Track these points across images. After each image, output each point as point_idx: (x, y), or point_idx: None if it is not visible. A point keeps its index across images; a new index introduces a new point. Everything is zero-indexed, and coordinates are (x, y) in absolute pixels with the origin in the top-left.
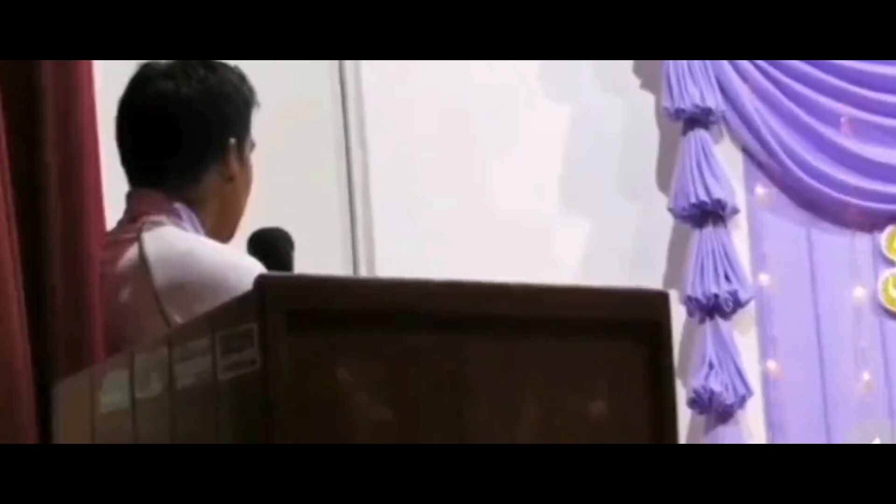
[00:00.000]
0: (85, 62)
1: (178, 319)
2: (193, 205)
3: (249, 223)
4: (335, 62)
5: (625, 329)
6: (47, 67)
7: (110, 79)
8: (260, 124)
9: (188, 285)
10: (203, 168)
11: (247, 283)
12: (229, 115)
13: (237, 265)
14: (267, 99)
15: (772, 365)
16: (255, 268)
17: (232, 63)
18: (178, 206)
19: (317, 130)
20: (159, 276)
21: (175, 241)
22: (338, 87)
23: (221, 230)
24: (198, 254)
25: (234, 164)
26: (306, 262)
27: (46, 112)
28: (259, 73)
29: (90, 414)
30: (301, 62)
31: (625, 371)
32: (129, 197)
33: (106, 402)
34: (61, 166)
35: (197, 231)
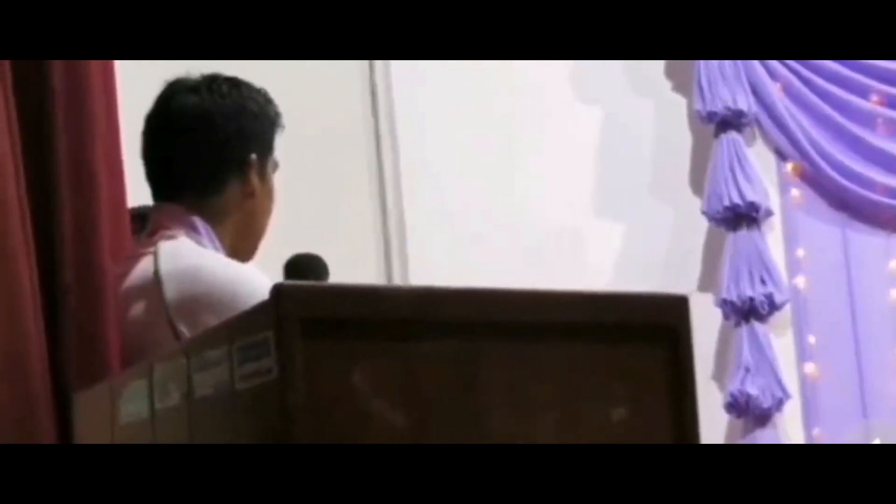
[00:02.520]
0: (100, 64)
1: (187, 333)
2: (213, 219)
3: (282, 232)
4: (366, 69)
5: (644, 334)
6: (59, 69)
7: (135, 89)
8: (290, 133)
9: (197, 299)
10: (223, 183)
11: (254, 297)
12: (251, 131)
13: (244, 279)
14: (297, 108)
15: (809, 367)
16: (262, 281)
17: (261, 63)
18: (196, 220)
19: (348, 138)
20: (170, 289)
21: (186, 255)
22: (368, 96)
23: (241, 247)
24: (207, 268)
25: (254, 180)
26: (340, 272)
27: (58, 120)
28: (289, 80)
29: (110, 424)
30: (332, 70)
31: (645, 376)
32: (152, 211)
33: (125, 412)
34: (74, 175)
35: (215, 246)
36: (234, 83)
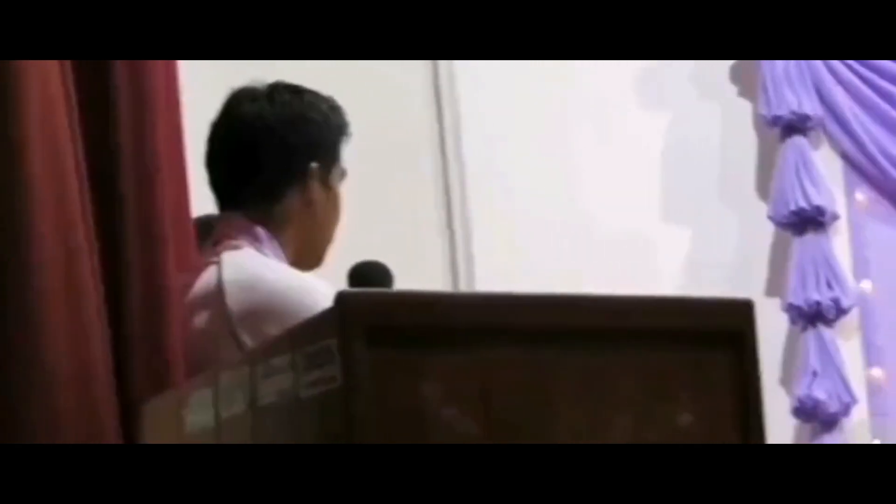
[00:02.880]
0: (162, 64)
1: (249, 343)
2: (275, 228)
3: (346, 240)
4: (430, 74)
5: (710, 339)
6: (121, 69)
7: (198, 91)
8: (355, 142)
9: (258, 309)
10: (283, 191)
11: (315, 306)
12: (311, 139)
13: (305, 288)
14: (362, 116)
15: (876, 372)
16: (324, 290)
17: (325, 68)
18: (258, 229)
19: (413, 146)
20: (233, 300)
21: (248, 264)
22: (433, 104)
23: (305, 255)
24: (268, 277)
25: (315, 189)
26: (406, 279)
27: (121, 123)
28: (353, 87)
29: (176, 433)
30: (395, 75)
31: (711, 381)
32: (216, 220)
33: (191, 421)
34: (138, 182)
35: (277, 255)
36: (297, 91)
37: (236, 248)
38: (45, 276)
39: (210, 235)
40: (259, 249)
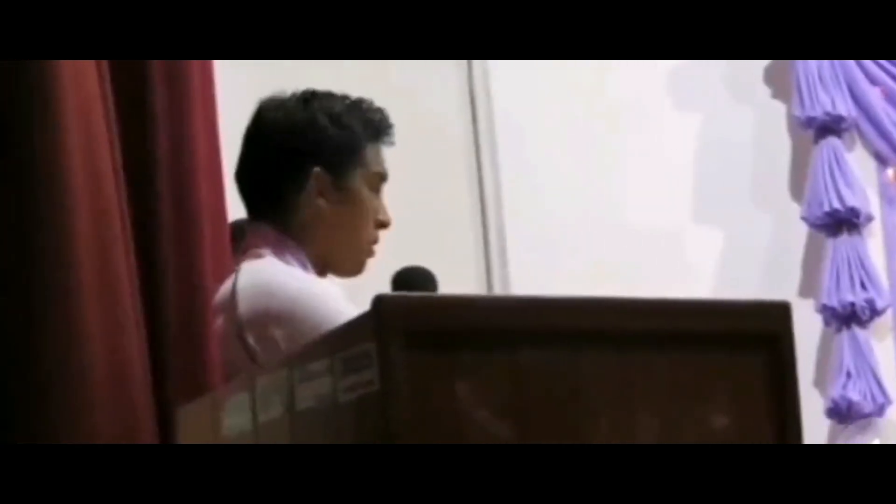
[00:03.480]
0: (199, 64)
1: (256, 347)
2: (298, 236)
3: (381, 243)
4: (465, 76)
5: (746, 341)
6: (159, 69)
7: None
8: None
9: (265, 312)
10: (295, 200)
11: (318, 307)
12: (312, 145)
13: (312, 292)
14: (396, 116)
15: None
16: (333, 294)
17: (360, 70)
18: (281, 237)
19: (447, 150)
20: (243, 305)
21: (263, 271)
22: (468, 107)
23: (335, 261)
24: (276, 282)
25: (323, 194)
26: (441, 281)
27: (158, 124)
28: (388, 90)
29: (213, 437)
30: (432, 79)
31: (747, 384)
32: (245, 229)
33: (228, 424)
34: (175, 184)
35: (301, 262)
36: (310, 97)
37: (259, 256)
38: (80, 273)
39: (242, 242)
40: (282, 258)
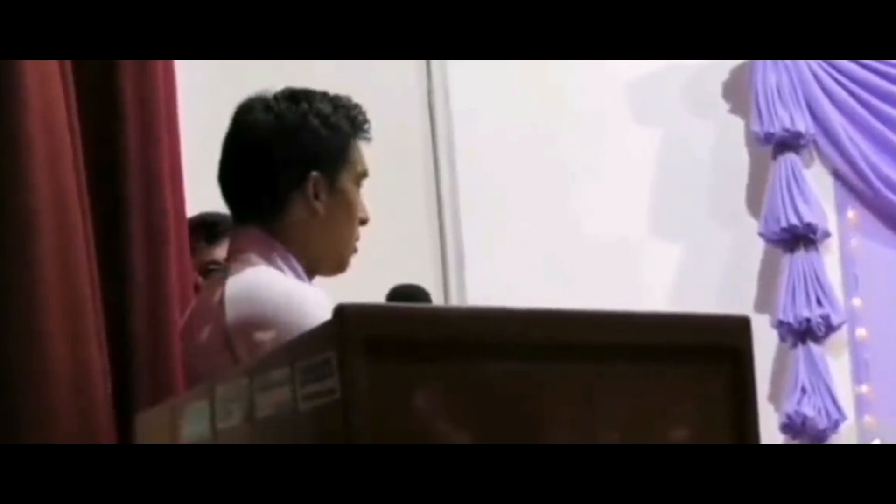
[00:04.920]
0: (161, 65)
1: (243, 353)
2: (287, 240)
3: None
4: (423, 81)
5: (706, 355)
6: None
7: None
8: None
9: (250, 318)
10: (288, 204)
11: (306, 312)
12: (308, 150)
13: (297, 296)
14: None
15: (865, 389)
16: (317, 299)
17: (318, 70)
18: (270, 241)
19: (406, 157)
20: (231, 313)
21: (249, 278)
22: (427, 113)
23: (323, 262)
24: (262, 288)
25: (315, 197)
26: (395, 283)
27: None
28: (347, 90)
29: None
30: (391, 79)
31: (707, 396)
32: (231, 234)
33: (187, 432)
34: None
35: (290, 265)
36: (297, 99)
37: (246, 262)
38: (42, 273)
39: (211, 234)
40: (271, 262)
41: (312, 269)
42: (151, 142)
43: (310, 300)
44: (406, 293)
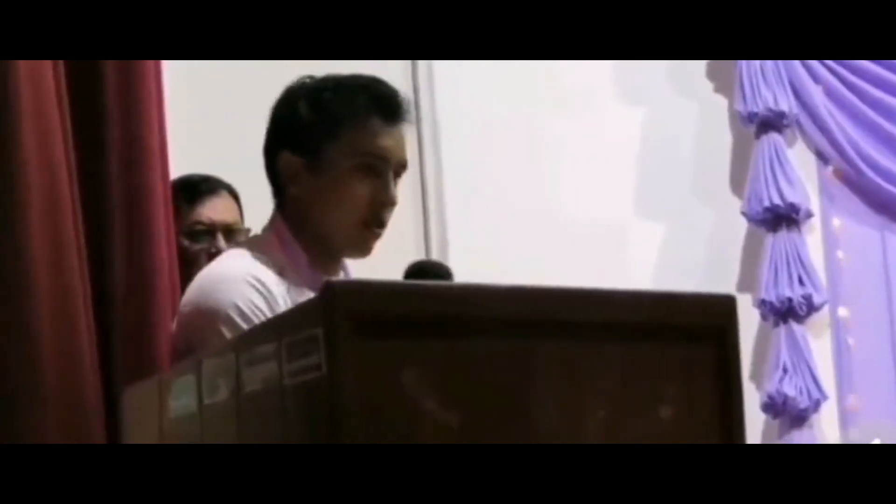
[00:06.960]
0: (151, 66)
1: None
2: (287, 217)
3: None
4: (408, 65)
5: (692, 333)
6: (112, 69)
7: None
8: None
9: (185, 304)
10: (278, 186)
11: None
12: (285, 131)
13: (208, 290)
14: None
15: (846, 368)
16: (229, 278)
17: (305, 67)
18: (275, 222)
19: None
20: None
21: (210, 270)
22: (410, 91)
23: (328, 242)
24: (197, 284)
25: (295, 177)
26: (380, 268)
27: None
28: None
29: (158, 418)
30: (375, 67)
31: (692, 375)
32: None
33: (174, 406)
34: (126, 171)
35: (293, 248)
36: (296, 86)
37: (237, 244)
38: (32, 266)
39: (179, 196)
40: (260, 252)
41: (324, 249)
42: (139, 138)
43: (225, 283)
44: (422, 269)
